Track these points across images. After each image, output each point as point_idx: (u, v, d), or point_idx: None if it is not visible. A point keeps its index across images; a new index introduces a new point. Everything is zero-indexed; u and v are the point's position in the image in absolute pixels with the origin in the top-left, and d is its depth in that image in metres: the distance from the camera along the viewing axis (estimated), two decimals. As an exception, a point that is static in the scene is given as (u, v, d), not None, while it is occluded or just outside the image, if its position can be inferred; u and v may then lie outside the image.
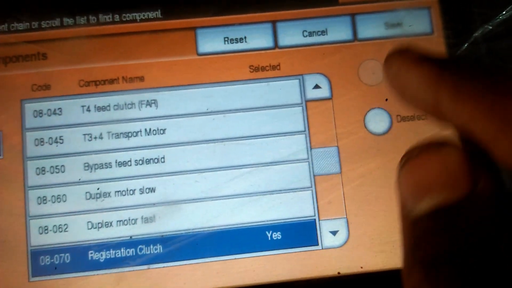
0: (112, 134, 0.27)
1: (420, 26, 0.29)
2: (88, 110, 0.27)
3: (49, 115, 0.27)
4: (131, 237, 0.26)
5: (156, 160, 0.27)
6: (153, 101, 0.27)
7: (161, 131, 0.27)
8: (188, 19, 0.28)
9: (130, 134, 0.27)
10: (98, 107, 0.27)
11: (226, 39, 0.28)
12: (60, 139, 0.27)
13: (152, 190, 0.27)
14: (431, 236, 0.13)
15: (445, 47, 0.29)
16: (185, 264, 0.26)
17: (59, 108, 0.27)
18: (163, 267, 0.26)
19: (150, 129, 0.27)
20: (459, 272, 0.12)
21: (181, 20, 0.28)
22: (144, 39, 0.28)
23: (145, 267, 0.26)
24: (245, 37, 0.28)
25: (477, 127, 0.13)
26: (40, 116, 0.27)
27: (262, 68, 0.28)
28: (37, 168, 0.27)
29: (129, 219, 0.26)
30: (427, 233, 0.13)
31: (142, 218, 0.26)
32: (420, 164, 0.13)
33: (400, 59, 0.15)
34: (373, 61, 0.28)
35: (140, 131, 0.27)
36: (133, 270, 0.26)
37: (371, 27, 0.28)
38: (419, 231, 0.13)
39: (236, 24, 0.28)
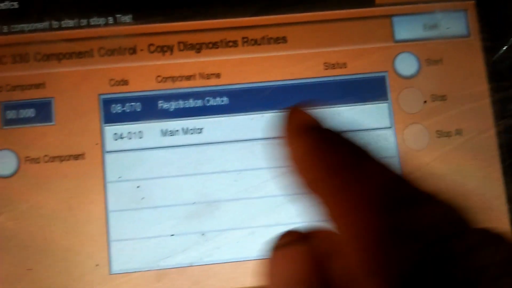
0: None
1: (457, 29, 0.29)
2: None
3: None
4: (172, 234, 0.26)
5: (195, 158, 0.27)
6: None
7: (198, 130, 0.27)
8: (231, 18, 0.28)
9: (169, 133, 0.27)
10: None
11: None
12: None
13: (191, 188, 0.27)
14: None
15: (482, 51, 0.29)
16: (226, 262, 0.26)
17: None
18: (204, 264, 0.26)
19: (187, 128, 0.27)
20: None
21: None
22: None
23: (186, 264, 0.26)
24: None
25: (335, 221, 0.13)
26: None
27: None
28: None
29: (170, 217, 0.27)
30: None
31: (182, 216, 0.27)
32: (271, 263, 0.14)
33: (288, 123, 0.15)
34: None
35: (178, 130, 0.27)
36: (175, 268, 0.26)
37: (409, 29, 0.29)
38: None
39: (275, 24, 0.28)
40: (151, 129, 0.27)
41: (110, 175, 0.26)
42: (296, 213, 0.27)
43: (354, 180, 0.12)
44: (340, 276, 0.13)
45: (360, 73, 0.28)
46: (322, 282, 0.13)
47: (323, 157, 0.13)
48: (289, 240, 0.14)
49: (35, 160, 0.26)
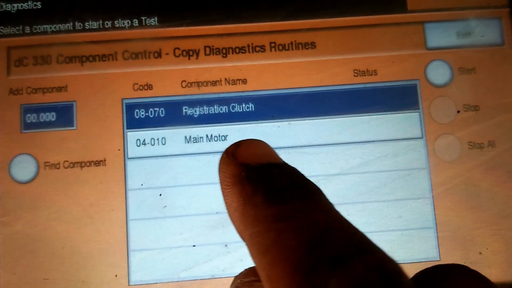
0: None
1: (491, 37, 0.28)
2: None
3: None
4: (194, 245, 0.25)
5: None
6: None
7: (223, 138, 0.27)
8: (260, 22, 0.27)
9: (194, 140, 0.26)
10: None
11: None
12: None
13: (214, 197, 0.26)
14: None
15: (516, 59, 0.28)
16: (249, 276, 0.25)
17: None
18: (226, 277, 0.25)
19: (212, 135, 0.27)
20: None
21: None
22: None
23: (208, 276, 0.25)
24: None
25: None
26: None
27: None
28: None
29: (192, 227, 0.26)
30: None
31: (205, 226, 0.26)
32: None
33: (223, 170, 0.14)
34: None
35: (202, 137, 0.26)
36: (196, 280, 0.25)
37: (442, 36, 0.28)
38: None
39: (304, 29, 0.27)
40: (174, 136, 0.26)
41: (132, 182, 0.26)
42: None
43: (277, 238, 0.11)
44: None
45: (390, 81, 0.27)
46: None
47: (250, 211, 0.13)
48: (250, 280, 0.14)
49: (55, 166, 0.26)
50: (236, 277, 0.14)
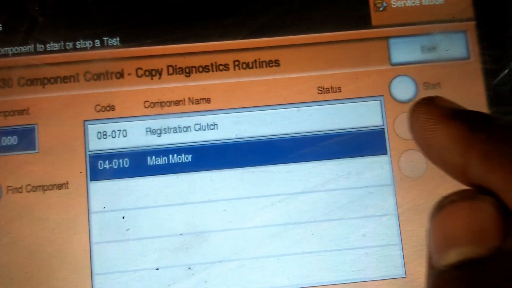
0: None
1: (456, 51, 0.28)
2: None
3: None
4: (157, 268, 0.25)
5: (183, 187, 0.26)
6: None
7: (186, 158, 0.26)
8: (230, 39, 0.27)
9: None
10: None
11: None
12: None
13: (178, 219, 0.26)
14: None
15: (482, 74, 0.28)
16: (213, 297, 0.25)
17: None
18: (191, 299, 0.25)
19: (175, 156, 0.26)
20: None
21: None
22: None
23: (172, 299, 0.25)
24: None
25: (508, 199, 0.12)
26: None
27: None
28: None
29: (155, 249, 0.25)
30: (452, 286, 0.12)
31: (168, 248, 0.26)
32: (450, 214, 0.13)
33: (428, 112, 0.14)
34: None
35: (166, 158, 0.26)
36: (160, 303, 0.25)
37: (406, 51, 0.28)
38: (443, 283, 0.12)
39: (268, 47, 0.27)
40: (137, 157, 0.26)
41: (94, 205, 0.25)
42: (288, 244, 0.26)
43: None
44: None
45: (355, 98, 0.27)
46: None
47: (480, 135, 0.13)
48: (470, 194, 0.13)
49: (17, 190, 0.25)
50: (443, 198, 0.13)
